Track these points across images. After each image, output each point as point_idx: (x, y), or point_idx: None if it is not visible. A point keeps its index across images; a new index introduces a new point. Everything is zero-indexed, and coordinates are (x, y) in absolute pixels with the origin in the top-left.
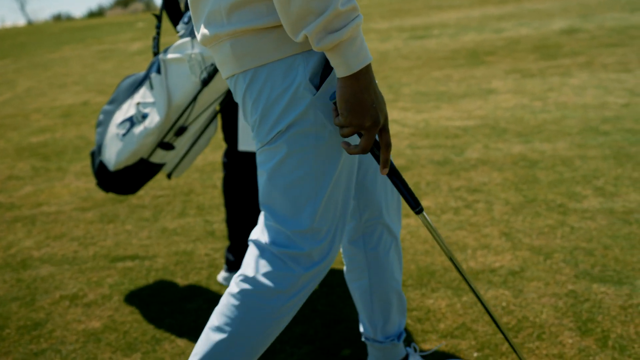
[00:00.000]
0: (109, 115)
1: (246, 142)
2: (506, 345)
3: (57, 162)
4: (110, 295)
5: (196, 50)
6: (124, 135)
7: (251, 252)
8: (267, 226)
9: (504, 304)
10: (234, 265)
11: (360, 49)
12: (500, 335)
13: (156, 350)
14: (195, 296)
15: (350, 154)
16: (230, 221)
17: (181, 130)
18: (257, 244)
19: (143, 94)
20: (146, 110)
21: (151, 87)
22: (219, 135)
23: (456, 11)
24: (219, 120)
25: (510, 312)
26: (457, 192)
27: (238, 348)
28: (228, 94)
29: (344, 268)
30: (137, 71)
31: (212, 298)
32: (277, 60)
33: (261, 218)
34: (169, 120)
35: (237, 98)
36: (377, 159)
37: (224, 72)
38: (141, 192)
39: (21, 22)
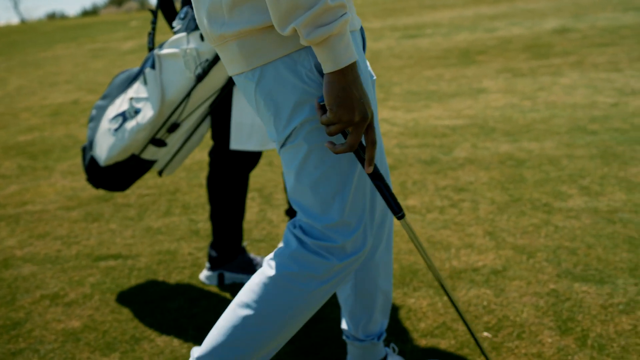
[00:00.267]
0: (102, 110)
1: (239, 141)
2: (485, 344)
3: (44, 161)
4: (91, 294)
5: (192, 45)
6: (116, 130)
7: (288, 236)
8: (301, 221)
9: (485, 303)
10: (216, 261)
11: (348, 45)
12: (479, 335)
13: (135, 350)
14: (176, 295)
15: (336, 152)
16: (214, 218)
17: (174, 127)
18: (294, 231)
19: (137, 89)
20: (139, 106)
21: (145, 82)
22: (207, 133)
23: (449, 10)
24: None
25: (491, 312)
26: (443, 191)
27: (264, 326)
28: (221, 93)
29: None
30: None
31: (193, 297)
32: (283, 57)
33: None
34: (162, 115)
35: (248, 96)
36: (360, 159)
37: (230, 70)
38: (127, 191)
39: (15, 20)
